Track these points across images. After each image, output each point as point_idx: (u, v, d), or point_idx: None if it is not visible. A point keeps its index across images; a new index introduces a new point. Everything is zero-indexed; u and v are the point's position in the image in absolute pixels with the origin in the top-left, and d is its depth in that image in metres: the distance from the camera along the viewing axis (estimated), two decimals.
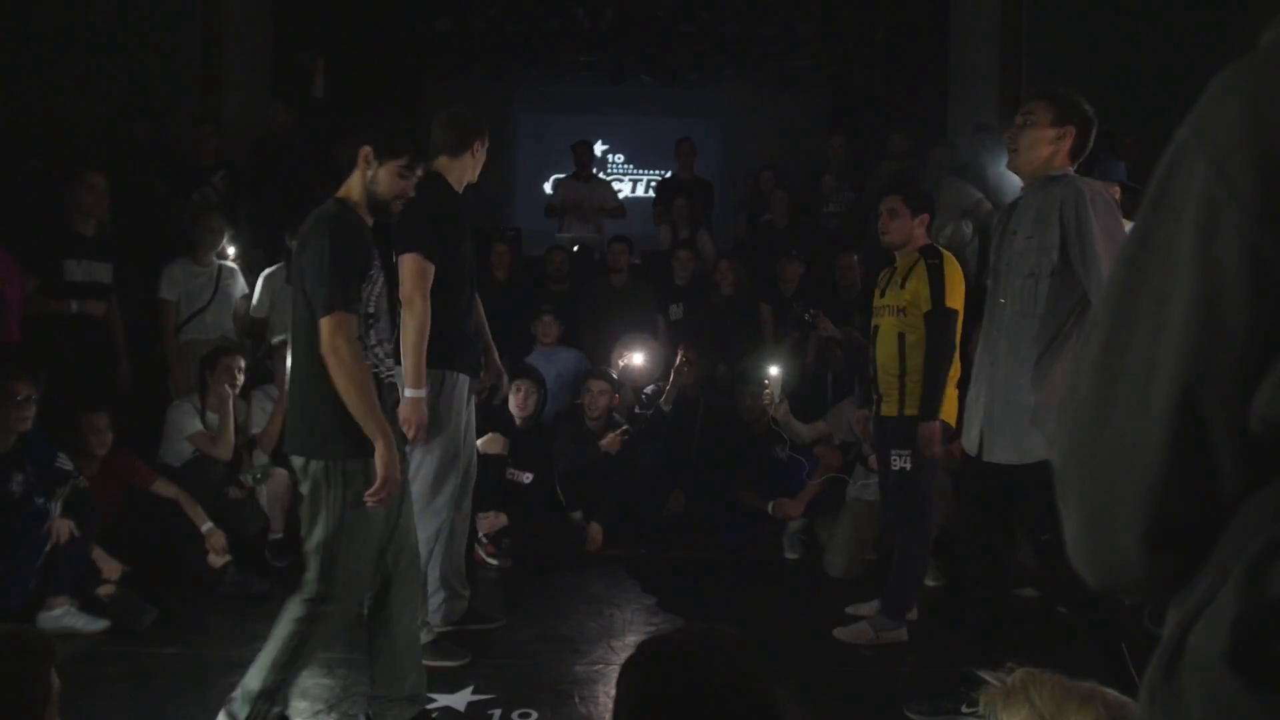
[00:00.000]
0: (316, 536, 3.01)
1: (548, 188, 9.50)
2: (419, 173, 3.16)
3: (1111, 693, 1.43)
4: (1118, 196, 4.60)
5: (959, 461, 3.91)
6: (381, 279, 3.08)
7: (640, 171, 12.56)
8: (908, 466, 4.15)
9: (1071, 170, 3.36)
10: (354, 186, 3.10)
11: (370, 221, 3.11)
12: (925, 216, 4.33)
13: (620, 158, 12.66)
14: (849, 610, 4.62)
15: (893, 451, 4.20)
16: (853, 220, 8.19)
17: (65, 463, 4.46)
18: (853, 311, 6.55)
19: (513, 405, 5.75)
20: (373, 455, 2.95)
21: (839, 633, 4.33)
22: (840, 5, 10.23)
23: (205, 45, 7.96)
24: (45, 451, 4.40)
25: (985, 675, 1.51)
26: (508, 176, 11.47)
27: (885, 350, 4.27)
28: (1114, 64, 7.52)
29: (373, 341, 3.03)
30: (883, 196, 4.45)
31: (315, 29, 8.71)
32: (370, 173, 3.07)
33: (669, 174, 9.75)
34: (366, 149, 3.06)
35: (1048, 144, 3.30)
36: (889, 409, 4.23)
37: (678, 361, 6.06)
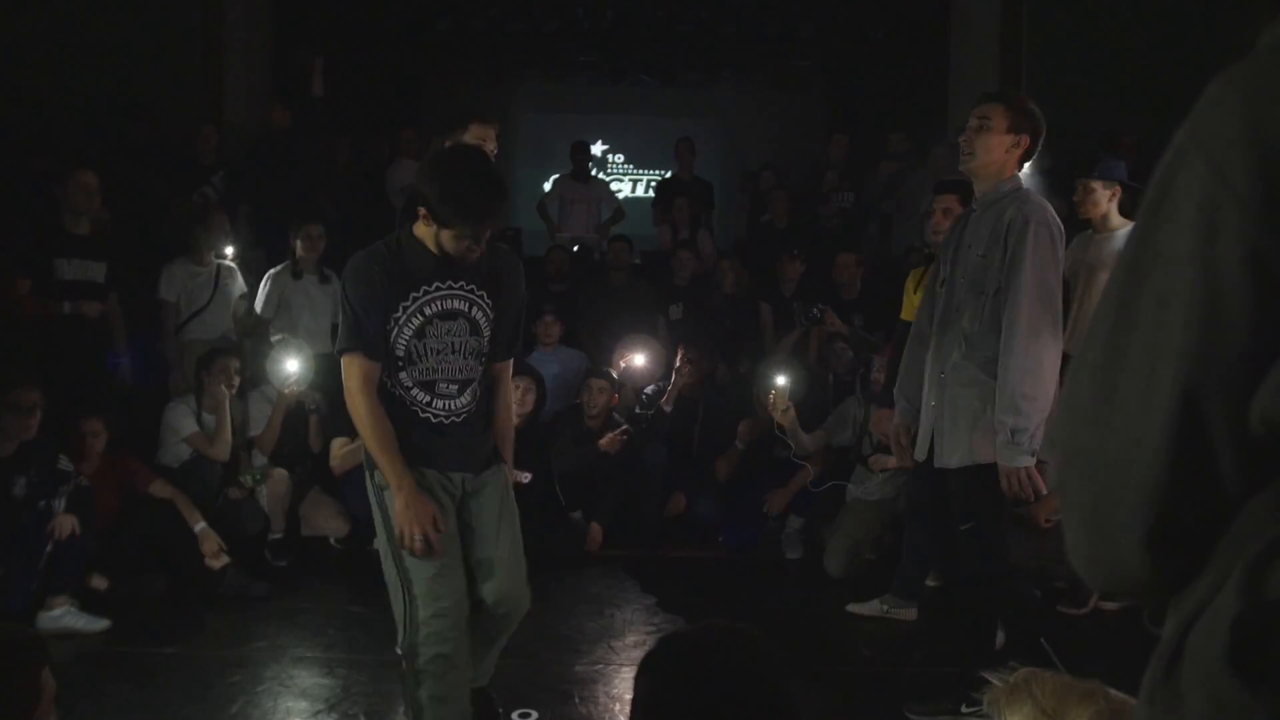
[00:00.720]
0: (385, 571, 2.89)
1: (547, 187, 9.49)
2: (487, 235, 2.85)
3: (1113, 690, 1.44)
4: (1118, 196, 4.62)
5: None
6: (419, 320, 2.86)
7: (640, 171, 12.56)
8: None
9: (1021, 178, 3.38)
10: (423, 230, 2.86)
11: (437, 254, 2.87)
12: None
13: (620, 158, 12.66)
14: (850, 609, 4.62)
15: None
16: (853, 220, 8.19)
17: (66, 464, 4.47)
18: (852, 311, 6.55)
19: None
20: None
21: (853, 607, 4.37)
22: (840, 5, 10.23)
23: (205, 45, 7.96)
24: (47, 456, 4.40)
25: (988, 675, 1.52)
26: (507, 177, 11.47)
27: None
28: (1114, 64, 7.53)
29: (408, 384, 2.88)
30: (937, 195, 4.36)
31: (314, 28, 8.71)
32: (432, 230, 2.83)
33: (669, 174, 9.74)
34: (423, 210, 2.81)
35: (1003, 150, 3.30)
36: None
37: (678, 362, 6.05)
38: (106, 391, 5.49)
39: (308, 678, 3.89)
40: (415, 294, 2.85)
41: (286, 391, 5.48)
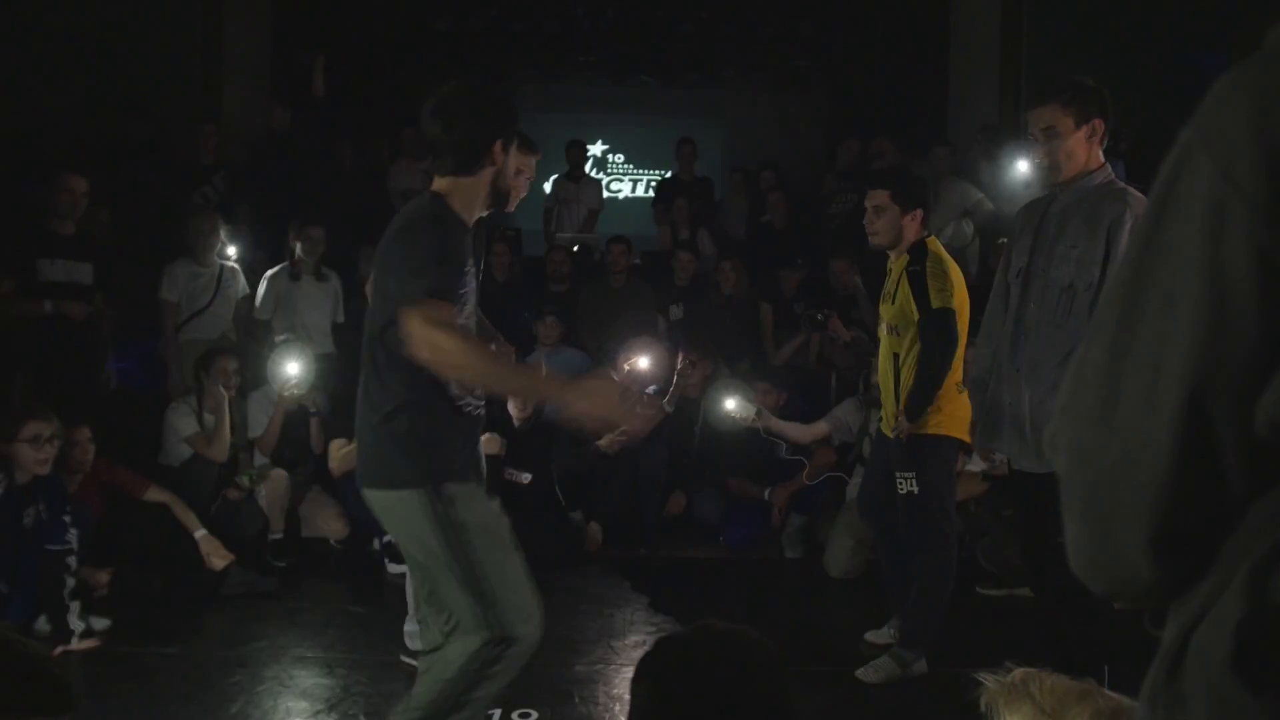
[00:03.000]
0: (443, 586, 2.61)
1: (547, 188, 9.48)
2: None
3: (1108, 692, 1.45)
4: None
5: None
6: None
7: (640, 171, 12.54)
8: (915, 490, 3.78)
9: (1107, 166, 3.26)
10: (461, 196, 2.73)
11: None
12: (918, 212, 3.86)
13: (620, 158, 12.64)
14: (868, 638, 4.27)
15: (898, 474, 3.84)
16: (856, 221, 8.19)
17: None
18: (852, 310, 6.56)
19: (511, 405, 5.73)
20: (459, 479, 2.56)
21: (863, 673, 3.85)
22: (840, 5, 10.24)
23: (205, 45, 7.96)
24: (59, 491, 4.25)
25: (984, 677, 1.52)
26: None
27: (883, 370, 3.98)
28: (1114, 64, 7.52)
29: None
30: (869, 190, 4.04)
31: (315, 28, 8.71)
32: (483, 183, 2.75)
33: (669, 174, 9.73)
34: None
35: (1083, 147, 3.20)
36: (890, 428, 3.90)
37: (679, 366, 6.05)
38: (95, 397, 5.41)
39: (308, 678, 3.89)
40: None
41: (285, 394, 5.47)
